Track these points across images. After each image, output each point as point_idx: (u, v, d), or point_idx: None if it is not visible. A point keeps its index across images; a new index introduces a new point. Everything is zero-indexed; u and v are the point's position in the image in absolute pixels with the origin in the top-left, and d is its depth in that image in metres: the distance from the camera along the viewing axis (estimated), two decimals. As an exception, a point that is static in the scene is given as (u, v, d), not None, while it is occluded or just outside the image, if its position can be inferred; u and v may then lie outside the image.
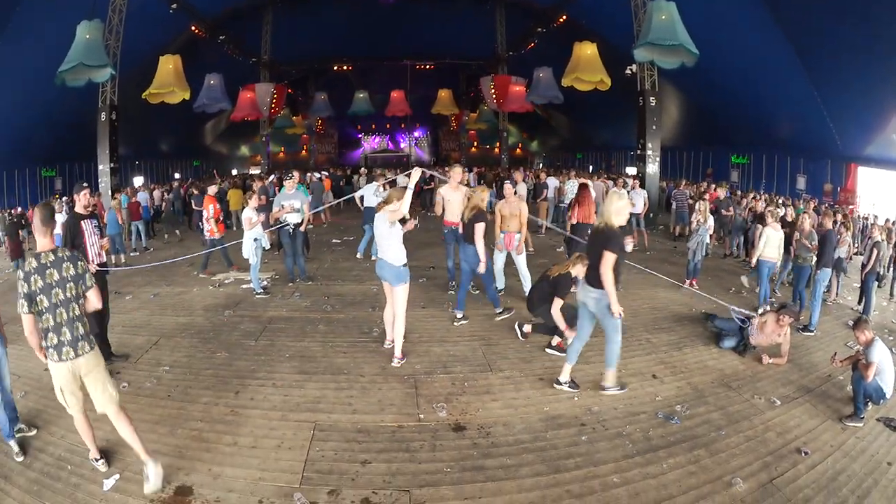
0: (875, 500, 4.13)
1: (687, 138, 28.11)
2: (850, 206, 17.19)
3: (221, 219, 10.80)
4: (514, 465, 4.32)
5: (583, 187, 9.79)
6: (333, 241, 14.06)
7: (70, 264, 3.89)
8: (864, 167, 19.23)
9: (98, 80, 16.96)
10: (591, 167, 35.02)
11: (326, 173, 23.06)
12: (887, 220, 14.64)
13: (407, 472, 4.24)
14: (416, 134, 48.75)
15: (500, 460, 4.39)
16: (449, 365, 6.22)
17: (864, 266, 9.55)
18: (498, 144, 39.77)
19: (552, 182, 15.96)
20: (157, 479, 3.89)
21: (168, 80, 20.29)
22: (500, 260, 8.82)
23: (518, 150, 46.16)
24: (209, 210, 10.68)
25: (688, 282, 9.97)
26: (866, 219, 15.65)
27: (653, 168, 18.00)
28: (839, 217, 10.17)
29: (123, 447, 4.23)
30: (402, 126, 46.51)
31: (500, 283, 8.97)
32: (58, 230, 10.89)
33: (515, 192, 8.84)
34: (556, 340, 6.68)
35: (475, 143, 45.70)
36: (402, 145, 48.96)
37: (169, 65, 20.44)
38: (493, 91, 29.93)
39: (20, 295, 3.77)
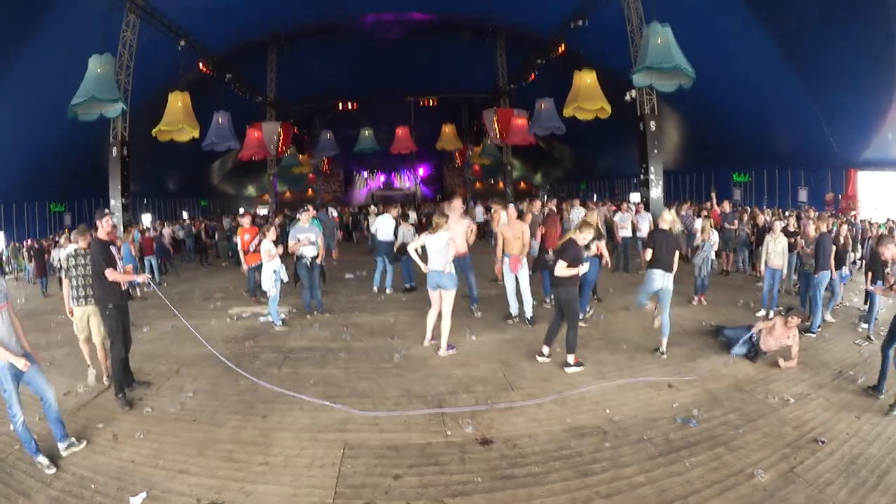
0: (894, 480, 4.24)
1: (688, 160, 28.36)
2: (853, 212, 17.26)
3: (253, 249, 10.91)
4: (543, 473, 4.38)
5: (550, 214, 10.55)
6: (347, 275, 14.12)
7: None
8: (864, 171, 19.48)
9: (110, 116, 17.09)
10: (594, 196, 35.19)
11: (336, 212, 23.31)
12: (888, 220, 14.78)
13: (439, 483, 4.29)
14: (420, 171, 49.14)
15: (529, 469, 4.45)
16: (471, 386, 6.29)
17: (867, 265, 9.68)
18: (502, 178, 40.07)
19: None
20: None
21: (177, 118, 20.41)
22: (510, 284, 8.91)
23: (522, 184, 46.43)
24: (242, 240, 11.12)
25: (696, 298, 10.08)
26: (864, 222, 15.73)
27: (656, 192, 18.12)
28: (844, 228, 10.29)
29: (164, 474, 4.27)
30: (408, 163, 46.87)
31: (514, 308, 9.04)
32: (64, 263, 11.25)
33: (519, 216, 9.17)
34: (571, 358, 6.73)
35: (479, 179, 46.00)
36: (408, 183, 49.31)
37: (178, 102, 20.58)
38: (495, 124, 30.20)
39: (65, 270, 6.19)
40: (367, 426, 5.33)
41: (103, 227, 6.23)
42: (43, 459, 4.64)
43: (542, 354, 7.14)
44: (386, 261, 11.82)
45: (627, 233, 14.30)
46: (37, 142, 20.60)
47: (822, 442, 4.81)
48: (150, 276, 6.70)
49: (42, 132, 20.15)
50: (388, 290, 11.81)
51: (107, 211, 6.37)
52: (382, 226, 11.75)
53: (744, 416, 5.37)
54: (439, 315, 7.56)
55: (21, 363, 4.52)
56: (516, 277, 8.78)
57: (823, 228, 9.06)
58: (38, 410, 5.09)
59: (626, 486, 4.16)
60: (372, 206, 14.89)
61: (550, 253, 8.48)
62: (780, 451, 4.69)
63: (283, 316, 9.68)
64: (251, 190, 44.29)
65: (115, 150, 18.03)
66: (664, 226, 7.81)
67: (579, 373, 6.61)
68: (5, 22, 17.42)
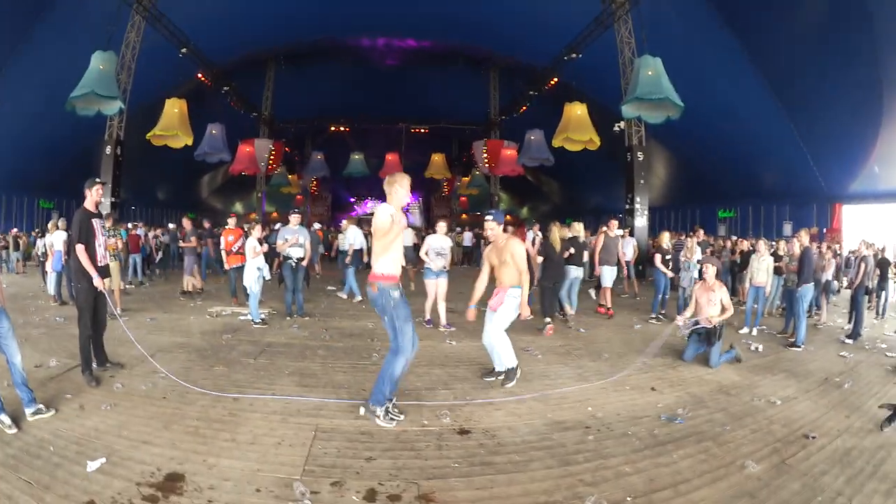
0: (891, 468, 4.17)
1: (674, 196, 28.78)
2: (837, 245, 17.48)
3: (235, 250, 11.00)
4: (524, 461, 4.21)
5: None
6: (328, 287, 14.18)
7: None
8: (849, 205, 19.87)
9: (107, 113, 17.15)
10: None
11: (320, 225, 23.31)
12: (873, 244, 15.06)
13: (413, 467, 4.10)
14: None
15: (509, 457, 4.28)
16: (450, 383, 6.16)
17: (851, 281, 9.81)
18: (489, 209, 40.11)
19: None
20: None
21: (173, 124, 20.49)
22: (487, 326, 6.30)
23: (508, 217, 46.54)
24: (226, 241, 11.14)
25: (679, 316, 10.07)
26: (852, 252, 15.92)
27: (641, 221, 18.36)
28: (824, 245, 10.53)
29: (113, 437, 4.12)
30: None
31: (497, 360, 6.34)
32: (59, 247, 11.08)
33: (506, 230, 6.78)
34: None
35: (466, 210, 46.17)
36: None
37: (175, 108, 20.68)
38: (485, 155, 30.52)
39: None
40: (342, 413, 5.14)
41: (92, 197, 6.10)
42: (5, 419, 4.49)
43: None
44: (352, 270, 12.45)
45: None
46: (30, 137, 20.65)
47: (813, 437, 4.71)
48: (107, 287, 6.49)
49: (36, 127, 20.25)
50: (358, 298, 12.13)
51: (97, 180, 6.21)
52: (356, 237, 12.55)
53: (730, 415, 5.28)
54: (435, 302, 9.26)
55: None
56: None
57: (806, 242, 9.17)
58: (6, 378, 4.96)
59: (612, 475, 4.00)
60: (344, 222, 15.13)
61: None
62: (770, 445, 4.58)
63: (262, 315, 9.58)
64: (238, 207, 44.12)
65: (108, 149, 18.04)
66: (577, 234, 10.35)
67: (560, 374, 6.55)
68: (7, 16, 17.42)
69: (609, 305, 11.02)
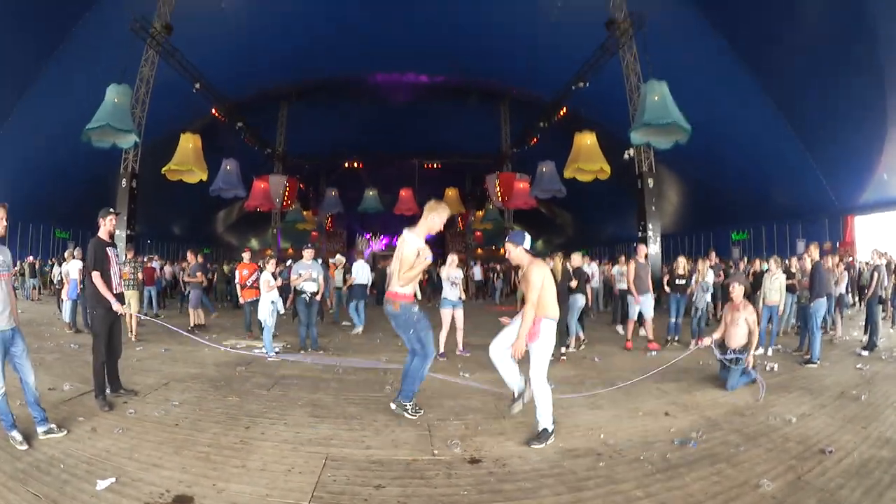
0: None
1: (686, 222, 28.75)
2: (850, 258, 17.30)
3: (250, 284, 11.37)
4: (533, 488, 4.17)
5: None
6: (344, 323, 14.18)
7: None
8: (861, 216, 19.83)
9: (122, 146, 17.45)
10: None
11: (333, 260, 23.36)
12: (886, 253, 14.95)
13: (422, 494, 4.08)
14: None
15: (518, 484, 4.24)
16: (462, 414, 6.11)
17: (865, 292, 9.79)
18: (503, 244, 40.15)
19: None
20: None
21: (187, 159, 20.79)
22: (499, 337, 5.57)
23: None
24: (240, 275, 11.47)
25: (694, 341, 10.03)
26: (867, 264, 15.76)
27: (654, 248, 18.25)
28: (836, 259, 10.53)
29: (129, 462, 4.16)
30: (410, 226, 47.10)
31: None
32: (74, 276, 11.30)
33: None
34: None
35: (481, 245, 46.20)
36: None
37: (189, 143, 21.00)
38: (498, 188, 30.63)
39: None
40: (353, 442, 5.14)
41: (105, 227, 6.24)
42: (17, 435, 4.59)
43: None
44: (360, 303, 12.86)
45: (624, 285, 14.30)
46: (47, 167, 21.16)
47: (830, 451, 4.67)
48: (126, 310, 6.62)
49: (53, 157, 20.73)
50: (359, 330, 12.50)
51: (111, 210, 6.36)
52: (358, 271, 13.03)
53: (744, 436, 5.22)
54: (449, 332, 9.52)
55: None
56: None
57: (816, 257, 9.14)
58: (19, 398, 5.03)
59: (622, 500, 3.94)
60: (339, 256, 15.38)
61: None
62: (785, 463, 4.52)
63: (276, 349, 9.62)
64: (254, 243, 44.56)
65: (123, 182, 18.29)
66: (578, 265, 10.58)
67: (573, 403, 6.50)
68: (26, 45, 17.96)
69: (651, 337, 10.49)
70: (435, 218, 5.22)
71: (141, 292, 13.52)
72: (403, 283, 5.06)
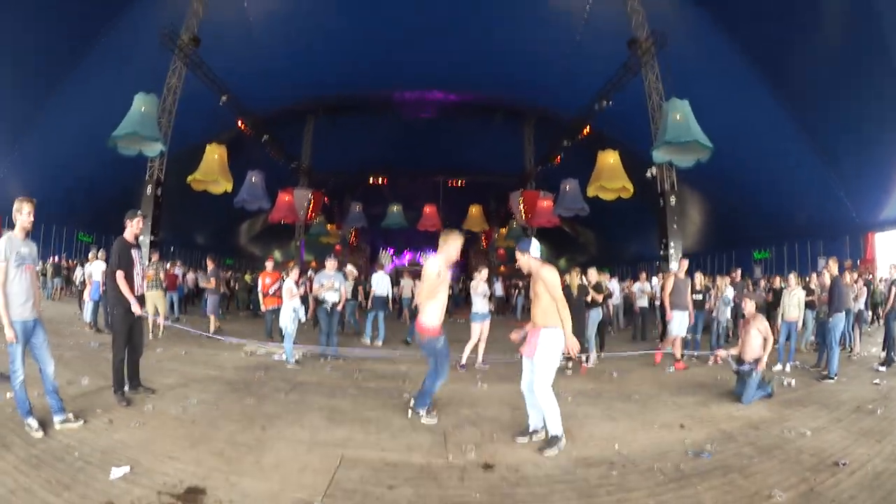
0: None
1: (709, 242, 28.61)
2: (870, 275, 17.03)
3: (272, 293, 11.52)
4: (545, 494, 4.15)
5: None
6: (364, 339, 14.13)
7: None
8: (882, 233, 19.63)
9: (149, 154, 17.80)
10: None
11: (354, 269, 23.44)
12: None
13: (434, 496, 4.09)
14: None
15: (531, 489, 4.22)
16: (478, 422, 6.08)
17: (879, 308, 9.68)
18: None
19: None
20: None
21: (213, 169, 21.09)
22: (525, 373, 5.54)
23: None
24: (263, 283, 11.63)
25: (712, 357, 9.91)
26: (881, 281, 15.49)
27: (675, 266, 18.12)
28: (856, 275, 10.44)
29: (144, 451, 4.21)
30: (434, 243, 47.25)
31: (533, 417, 5.56)
32: (97, 277, 11.51)
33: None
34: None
35: (504, 262, 46.10)
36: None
37: (215, 154, 21.31)
38: (521, 206, 30.70)
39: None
40: (368, 445, 5.17)
41: (131, 228, 6.34)
42: (33, 422, 4.71)
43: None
44: (380, 315, 12.77)
45: (644, 303, 14.23)
46: (73, 171, 21.61)
47: (844, 464, 4.61)
48: (145, 312, 6.76)
49: (80, 162, 21.17)
50: (379, 343, 12.43)
51: (138, 212, 6.48)
52: (378, 282, 13.06)
53: (758, 448, 5.16)
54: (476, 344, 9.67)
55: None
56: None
57: (835, 271, 9.05)
58: (38, 388, 5.12)
59: (634, 507, 3.93)
60: (349, 266, 15.42)
61: None
62: (798, 474, 4.46)
63: (296, 356, 9.66)
64: (277, 255, 44.86)
65: (149, 189, 18.58)
66: (598, 280, 10.68)
67: (589, 414, 6.45)
68: (55, 50, 18.42)
69: (679, 356, 9.89)
70: (450, 248, 5.67)
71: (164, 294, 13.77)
72: (427, 299, 5.64)
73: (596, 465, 4.78)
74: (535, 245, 5.60)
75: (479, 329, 9.76)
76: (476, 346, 9.73)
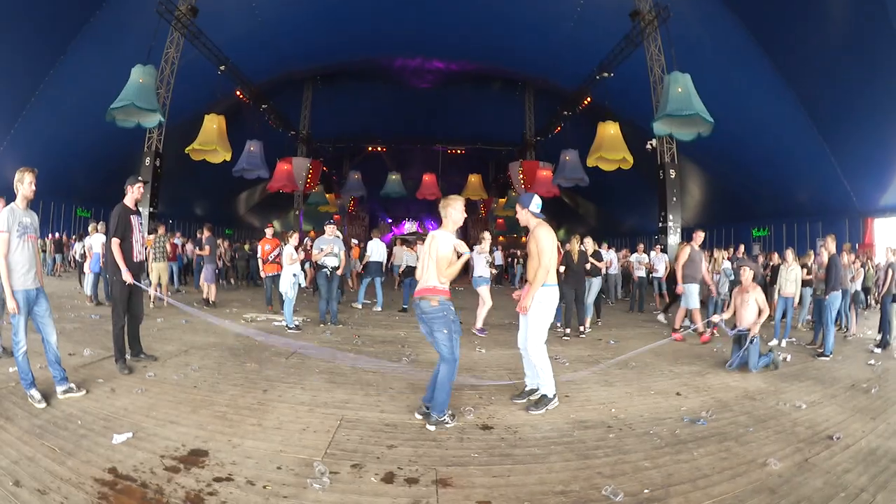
0: None
1: (708, 217, 28.42)
2: (867, 259, 17.09)
3: (272, 259, 11.51)
4: (543, 454, 4.22)
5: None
6: (365, 301, 14.21)
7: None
8: (881, 219, 19.56)
9: (147, 125, 17.67)
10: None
11: (356, 241, 23.46)
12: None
13: (434, 455, 4.16)
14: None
15: (529, 450, 4.30)
16: (476, 385, 6.17)
17: (872, 291, 9.70)
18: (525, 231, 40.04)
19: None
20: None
21: (211, 139, 20.90)
22: (521, 329, 5.65)
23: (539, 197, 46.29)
24: (262, 250, 11.63)
25: (708, 330, 9.96)
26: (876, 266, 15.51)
27: (674, 239, 18.22)
28: (853, 256, 10.45)
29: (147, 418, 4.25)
30: (433, 212, 47.24)
31: (529, 377, 5.76)
32: (97, 249, 11.51)
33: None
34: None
35: (503, 232, 46.09)
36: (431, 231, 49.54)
37: (213, 124, 21.09)
38: (521, 176, 30.55)
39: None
40: (368, 406, 5.24)
41: (131, 194, 6.33)
42: (35, 394, 4.74)
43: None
44: (377, 280, 13.08)
45: (642, 273, 14.26)
46: (71, 145, 21.36)
47: (838, 438, 4.63)
48: (147, 283, 6.77)
49: (77, 136, 20.92)
50: (378, 309, 12.64)
51: (139, 178, 6.46)
52: (375, 249, 13.14)
53: (754, 418, 5.21)
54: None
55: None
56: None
57: (833, 249, 9.04)
58: (40, 361, 5.17)
59: (630, 469, 3.97)
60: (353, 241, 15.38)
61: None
62: (793, 445, 4.51)
63: (297, 322, 9.76)
64: (276, 225, 44.81)
65: (147, 160, 18.46)
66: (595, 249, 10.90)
67: (586, 379, 6.53)
68: (52, 24, 18.15)
69: (701, 329, 9.57)
70: (453, 212, 5.01)
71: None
72: (446, 279, 4.94)
73: (593, 428, 4.86)
74: (536, 200, 5.57)
75: (488, 291, 9.92)
76: (473, 311, 9.85)
